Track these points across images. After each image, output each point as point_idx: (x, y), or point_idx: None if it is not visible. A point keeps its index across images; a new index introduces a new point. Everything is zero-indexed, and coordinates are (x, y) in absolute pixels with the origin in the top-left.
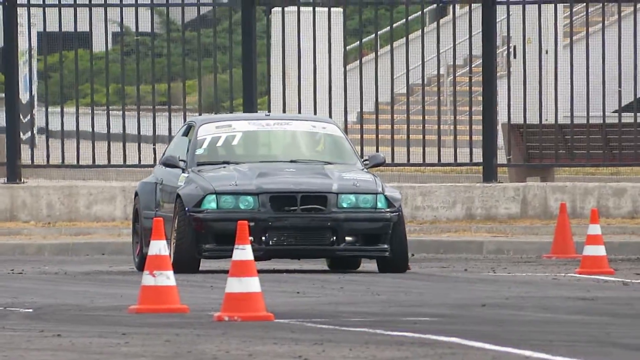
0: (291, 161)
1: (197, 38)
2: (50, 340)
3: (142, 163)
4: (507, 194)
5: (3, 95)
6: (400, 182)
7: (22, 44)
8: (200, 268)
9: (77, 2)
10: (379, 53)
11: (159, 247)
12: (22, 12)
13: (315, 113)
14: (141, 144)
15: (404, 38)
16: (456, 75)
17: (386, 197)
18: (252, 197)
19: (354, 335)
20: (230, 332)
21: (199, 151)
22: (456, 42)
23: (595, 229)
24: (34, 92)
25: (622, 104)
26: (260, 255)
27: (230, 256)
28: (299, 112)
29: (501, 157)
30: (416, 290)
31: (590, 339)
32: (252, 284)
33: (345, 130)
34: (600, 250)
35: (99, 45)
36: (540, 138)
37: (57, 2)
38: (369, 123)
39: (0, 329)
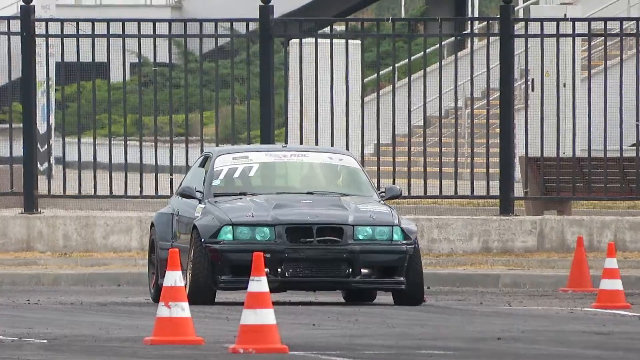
0: (308, 193)
1: (215, 69)
2: None
3: (159, 194)
4: (524, 227)
5: (21, 125)
6: (417, 214)
7: (40, 74)
8: (216, 299)
9: (95, 33)
10: (396, 85)
11: (175, 278)
12: (40, 42)
13: (332, 145)
14: (158, 175)
15: (422, 70)
16: (474, 107)
17: (402, 230)
18: (269, 228)
19: None
20: None
21: (215, 182)
22: (474, 75)
23: (612, 263)
24: (52, 122)
25: None
26: (275, 286)
27: (246, 288)
28: (316, 143)
29: (518, 190)
30: (432, 323)
31: None
32: (267, 316)
33: (362, 162)
34: (617, 285)
35: (116, 75)
36: (557, 171)
37: (75, 33)
38: (385, 155)
39: None
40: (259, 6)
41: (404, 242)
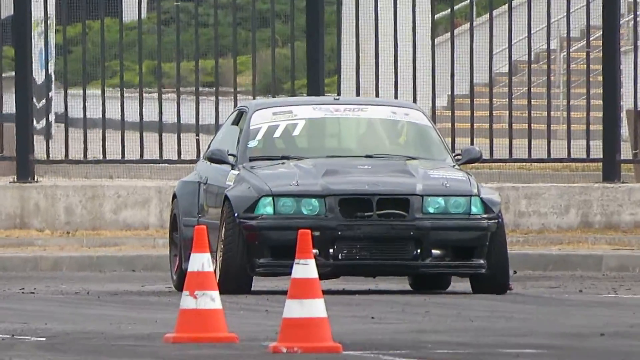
0: (366, 156)
1: (252, 3)
2: None
3: (182, 158)
4: (633, 197)
5: (13, 74)
6: (501, 181)
7: (37, 11)
8: (253, 288)
9: None
10: (474, 23)
11: (202, 262)
12: None
13: (396, 97)
14: (181, 135)
15: (506, 4)
16: (570, 50)
17: (483, 201)
18: (318, 200)
19: None
20: None
21: (252, 143)
22: (571, 10)
23: None
24: (51, 70)
25: None
26: (326, 272)
27: (290, 273)
28: (376, 95)
29: (625, 152)
30: (518, 316)
31: None
32: (316, 308)
33: (433, 118)
34: None
35: (130, 13)
36: None
37: None
38: (462, 109)
39: None
40: None
41: (485, 216)
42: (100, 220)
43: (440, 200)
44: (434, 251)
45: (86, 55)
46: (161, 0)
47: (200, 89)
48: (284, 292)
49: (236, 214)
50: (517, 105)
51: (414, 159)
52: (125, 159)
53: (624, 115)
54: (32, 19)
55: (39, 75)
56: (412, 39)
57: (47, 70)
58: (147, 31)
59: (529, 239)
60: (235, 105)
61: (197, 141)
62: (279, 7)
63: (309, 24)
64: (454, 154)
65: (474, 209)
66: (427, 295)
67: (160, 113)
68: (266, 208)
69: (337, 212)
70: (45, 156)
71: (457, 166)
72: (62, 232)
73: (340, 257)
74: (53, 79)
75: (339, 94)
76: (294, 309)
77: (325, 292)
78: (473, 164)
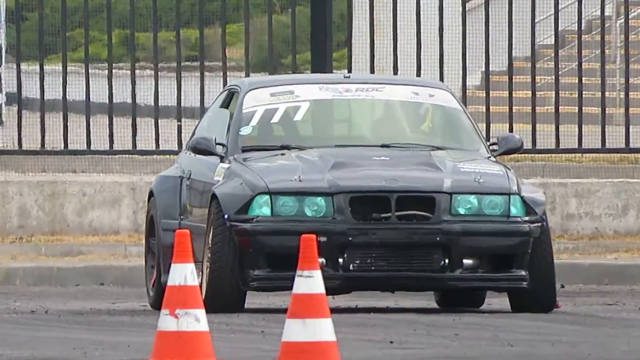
0: (382, 146)
1: None
2: None
3: (160, 148)
4: None
5: None
6: (545, 176)
7: None
8: (247, 305)
9: None
10: None
11: (185, 274)
12: None
13: (418, 74)
14: (160, 120)
15: None
16: (629, 17)
17: (524, 200)
18: (324, 198)
19: None
20: None
21: (245, 130)
22: None
23: None
24: (1, 41)
25: None
26: (335, 285)
27: (291, 287)
28: (395, 72)
29: None
30: (567, 339)
31: None
32: (322, 329)
33: (464, 100)
34: None
35: None
36: None
37: None
38: (498, 89)
39: None
40: None
41: (527, 218)
42: (61, 223)
43: (473, 199)
44: (465, 261)
45: (43, 23)
46: None
47: (183, 64)
48: (284, 311)
49: (226, 216)
50: (565, 85)
51: (440, 149)
52: (92, 149)
53: None
54: None
55: None
56: (439, 3)
57: None
58: None
59: (579, 246)
60: (225, 84)
61: (179, 128)
62: None
63: None
64: (489, 143)
65: (513, 210)
66: (456, 315)
67: (134, 93)
68: (262, 208)
69: (348, 213)
70: None
71: (492, 158)
72: (14, 238)
73: (351, 267)
74: (3, 52)
75: (349, 71)
76: (296, 330)
77: (334, 311)
78: (512, 155)
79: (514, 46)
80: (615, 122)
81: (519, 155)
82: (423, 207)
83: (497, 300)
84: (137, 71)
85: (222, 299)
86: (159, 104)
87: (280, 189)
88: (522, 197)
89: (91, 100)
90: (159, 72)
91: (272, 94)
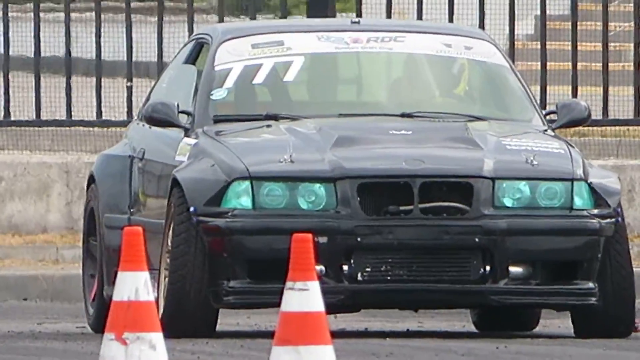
0: (403, 115)
1: None
2: None
3: (103, 118)
4: None
5: None
6: (620, 157)
7: None
8: (219, 326)
9: None
10: None
11: (136, 286)
12: None
13: (450, 20)
14: (103, 80)
15: None
16: None
17: (592, 188)
18: (324, 185)
19: None
20: None
21: (217, 94)
22: None
23: None
24: None
25: None
26: (339, 301)
27: (277, 304)
28: (419, 17)
29: None
30: None
31: None
32: (319, 359)
33: (512, 54)
34: None
35: None
36: None
37: None
38: (557, 39)
39: None
40: None
41: (596, 212)
42: None
43: (523, 186)
44: (512, 269)
45: None
46: None
47: (133, 4)
48: (270, 335)
49: (192, 209)
50: None
51: (480, 119)
52: (12, 119)
53: None
54: None
55: None
56: None
57: None
58: None
59: None
60: (191, 32)
61: (129, 90)
62: None
63: None
64: (544, 112)
65: (578, 201)
66: (501, 341)
67: (68, 43)
68: (241, 199)
69: (356, 206)
70: None
71: (550, 131)
72: None
73: (360, 277)
74: None
75: (359, 15)
76: None
77: (336, 335)
78: (576, 128)
79: None
80: None
81: (585, 128)
82: (456, 198)
83: (556, 322)
84: (72, 14)
85: (186, 319)
86: (102, 58)
87: (264, 173)
88: (589, 184)
89: (11, 53)
90: (101, 15)
91: (253, 45)
